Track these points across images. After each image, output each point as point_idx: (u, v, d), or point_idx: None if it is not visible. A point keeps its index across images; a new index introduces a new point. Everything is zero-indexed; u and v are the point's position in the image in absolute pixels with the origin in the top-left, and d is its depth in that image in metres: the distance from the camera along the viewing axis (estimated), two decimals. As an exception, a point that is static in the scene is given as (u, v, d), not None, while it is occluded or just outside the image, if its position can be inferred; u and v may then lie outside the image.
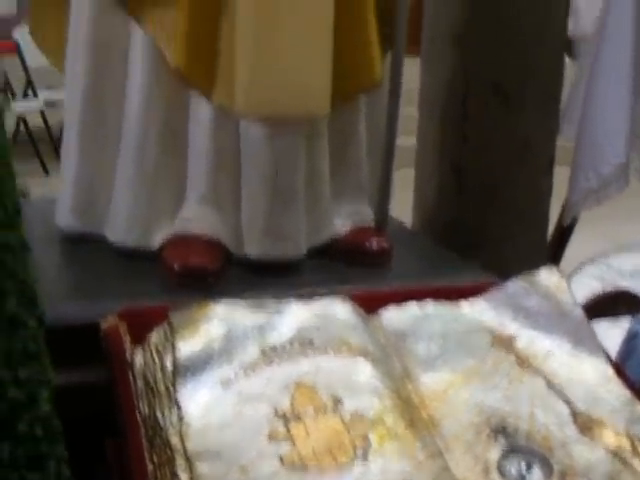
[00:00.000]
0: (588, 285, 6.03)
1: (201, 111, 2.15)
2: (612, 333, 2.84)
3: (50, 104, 7.78)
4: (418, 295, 1.94)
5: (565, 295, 1.94)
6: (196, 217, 2.19)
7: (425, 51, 3.03)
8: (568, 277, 5.01)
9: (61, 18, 2.33)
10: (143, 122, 2.15)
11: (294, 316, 1.75)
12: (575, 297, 1.94)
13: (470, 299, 1.94)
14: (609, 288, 4.48)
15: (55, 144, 8.03)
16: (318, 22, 2.08)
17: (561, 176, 3.09)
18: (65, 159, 2.33)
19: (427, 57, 3.02)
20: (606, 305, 3.51)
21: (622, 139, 2.99)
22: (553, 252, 3.30)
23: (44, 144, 7.72)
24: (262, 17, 2.04)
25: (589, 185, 3.04)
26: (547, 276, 1.97)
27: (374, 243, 2.30)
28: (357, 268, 2.25)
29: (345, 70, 2.16)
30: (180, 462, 1.49)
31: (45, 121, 7.92)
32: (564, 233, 3.35)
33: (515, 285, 1.96)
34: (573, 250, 3.51)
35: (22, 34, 7.87)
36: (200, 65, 2.10)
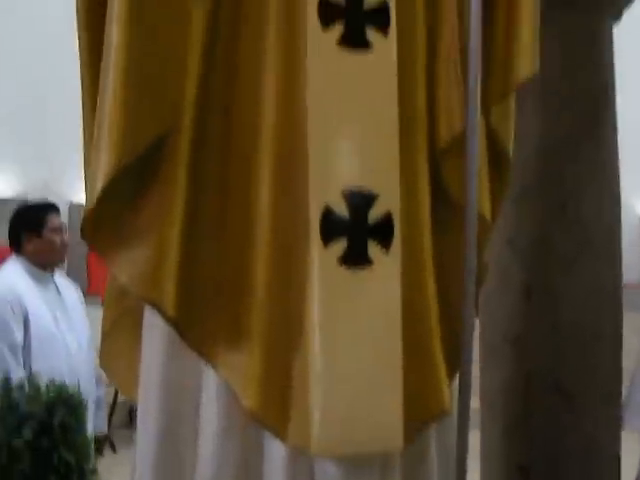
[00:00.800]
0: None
1: (275, 450, 2.17)
2: None
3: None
4: None
5: None
6: None
7: (483, 353, 3.08)
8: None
9: (132, 353, 2.40)
10: (217, 463, 2.17)
11: None
12: None
13: None
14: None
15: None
16: (387, 360, 2.13)
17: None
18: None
19: (485, 359, 3.06)
20: None
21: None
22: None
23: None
24: (333, 359, 2.09)
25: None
26: None
27: None
28: None
29: (414, 403, 2.18)
30: None
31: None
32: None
33: None
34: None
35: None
36: (274, 407, 2.13)
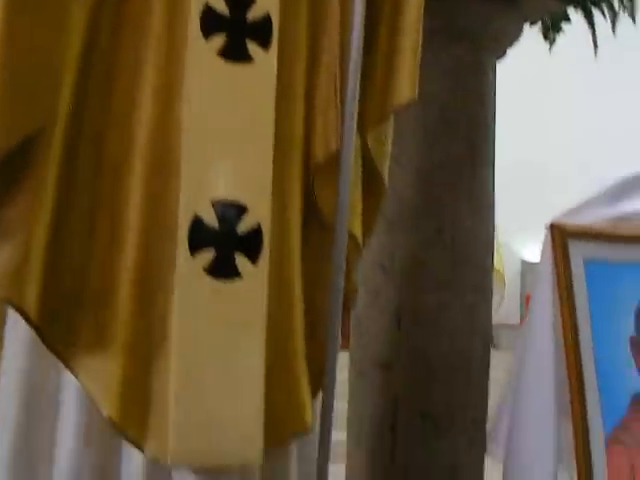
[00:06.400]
0: None
1: (134, 460, 2.14)
2: None
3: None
4: None
5: None
6: None
7: (352, 377, 3.08)
8: None
9: None
10: (75, 468, 2.13)
11: None
12: None
13: None
14: None
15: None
16: (248, 374, 2.12)
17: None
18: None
19: (354, 383, 3.07)
20: None
21: (549, 457, 3.02)
22: None
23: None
24: (193, 372, 2.08)
25: (521, 506, 3.04)
26: None
27: None
28: None
29: (276, 418, 2.18)
30: None
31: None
32: None
33: None
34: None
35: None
36: (133, 415, 2.10)
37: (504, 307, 9.69)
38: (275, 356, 2.19)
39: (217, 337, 2.10)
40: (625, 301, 3.14)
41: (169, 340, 2.10)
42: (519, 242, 11.19)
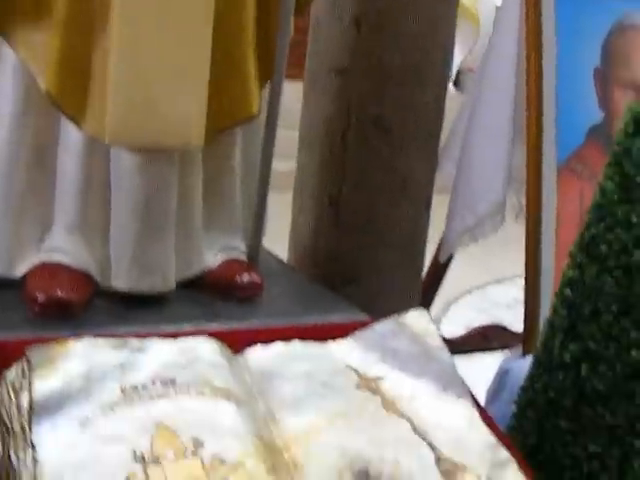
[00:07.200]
0: (465, 316, 6.16)
1: (71, 138, 2.09)
2: (483, 368, 2.88)
3: None
4: (286, 333, 1.92)
5: (433, 338, 1.93)
6: (63, 246, 2.12)
7: (307, 83, 3.03)
8: (446, 307, 5.05)
9: None
10: (11, 146, 2.08)
11: (157, 354, 1.70)
12: (442, 341, 1.94)
13: (338, 339, 1.92)
14: (485, 319, 4.55)
15: None
16: (194, 53, 2.04)
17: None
18: None
19: (309, 89, 3.01)
20: (479, 338, 3.56)
21: (500, 177, 3.02)
22: (428, 287, 3.32)
23: None
24: (136, 46, 1.99)
25: (466, 223, 3.06)
26: (416, 319, 1.97)
27: (245, 277, 2.27)
28: (227, 302, 2.23)
29: (222, 102, 2.13)
30: (31, 507, 1.44)
31: None
32: (440, 269, 3.37)
33: (384, 326, 1.96)
34: (450, 281, 3.54)
35: None
36: (72, 91, 2.03)
37: (473, 52, 9.53)
38: (224, 38, 2.10)
39: (161, 11, 2.00)
40: (593, 32, 3.06)
41: (112, 13, 2.00)
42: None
